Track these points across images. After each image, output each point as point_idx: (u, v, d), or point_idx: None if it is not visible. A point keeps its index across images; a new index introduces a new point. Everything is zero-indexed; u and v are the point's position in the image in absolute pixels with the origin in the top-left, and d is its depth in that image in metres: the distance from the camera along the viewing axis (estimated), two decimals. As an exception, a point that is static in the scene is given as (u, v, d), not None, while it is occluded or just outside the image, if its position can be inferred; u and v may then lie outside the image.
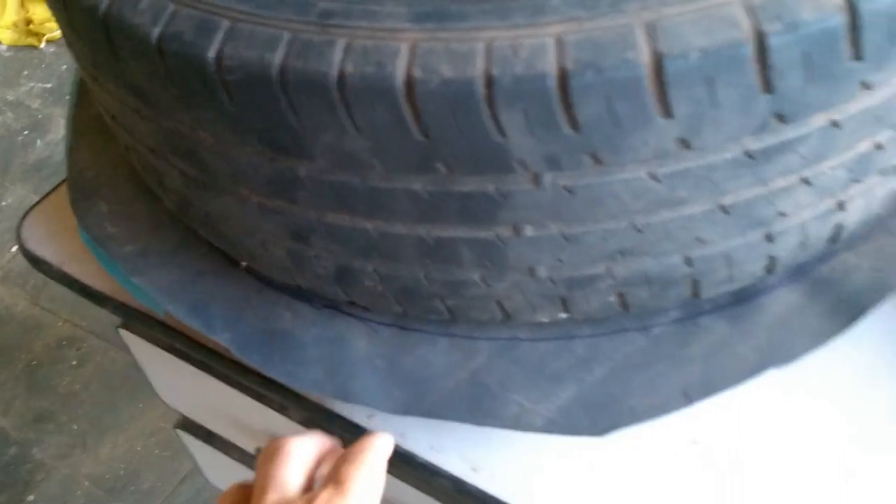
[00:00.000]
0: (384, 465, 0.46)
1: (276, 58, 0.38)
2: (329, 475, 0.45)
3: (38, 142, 2.28)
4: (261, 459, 0.47)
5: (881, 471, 0.48)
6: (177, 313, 0.54)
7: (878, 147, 0.44)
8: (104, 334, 1.89)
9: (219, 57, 0.39)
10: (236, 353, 0.52)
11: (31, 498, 1.69)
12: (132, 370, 0.82)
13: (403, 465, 0.51)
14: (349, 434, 0.53)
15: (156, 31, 0.41)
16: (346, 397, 0.50)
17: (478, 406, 0.49)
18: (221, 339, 0.53)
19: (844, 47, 0.37)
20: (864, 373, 0.52)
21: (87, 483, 1.71)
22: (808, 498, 0.48)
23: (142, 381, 0.89)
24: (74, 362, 1.91)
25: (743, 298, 0.50)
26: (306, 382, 0.51)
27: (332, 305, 0.54)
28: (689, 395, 0.47)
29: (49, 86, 2.41)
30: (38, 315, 1.99)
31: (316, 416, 0.55)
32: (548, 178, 0.39)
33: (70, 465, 1.74)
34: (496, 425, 0.49)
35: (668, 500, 0.49)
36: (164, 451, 1.72)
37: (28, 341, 1.94)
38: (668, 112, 0.37)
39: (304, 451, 0.47)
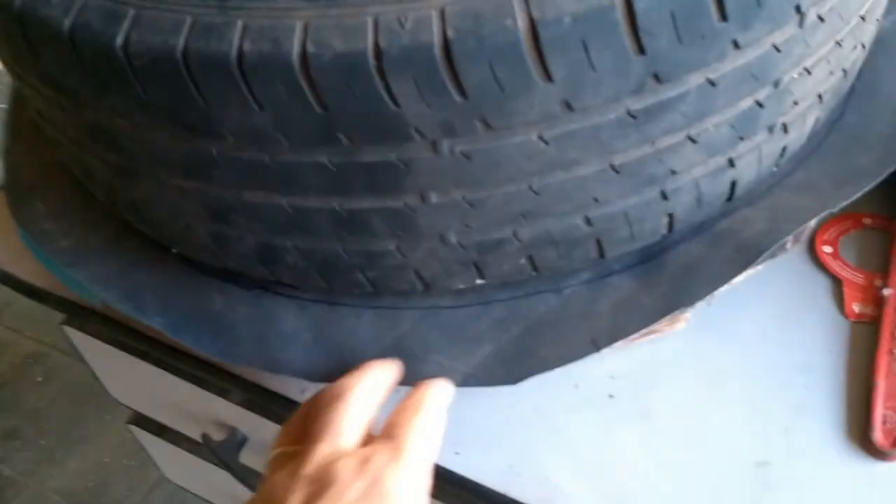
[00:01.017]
0: (442, 417, 0.45)
1: (180, 41, 0.40)
2: (384, 430, 0.44)
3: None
4: (320, 402, 0.45)
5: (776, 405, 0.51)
6: (111, 301, 0.56)
7: (759, 104, 0.46)
8: (68, 349, 1.90)
9: (126, 43, 0.41)
10: (169, 335, 0.54)
11: (1, 515, 1.70)
12: (98, 383, 0.84)
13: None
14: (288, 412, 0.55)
15: (67, 22, 0.43)
16: (275, 368, 0.52)
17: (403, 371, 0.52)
18: (154, 322, 0.55)
19: (710, 8, 0.40)
20: (770, 321, 0.55)
21: (56, 497, 1.71)
22: (713, 439, 0.51)
23: (107, 394, 0.90)
24: (40, 378, 1.92)
25: (649, 256, 0.53)
26: (237, 357, 0.53)
27: (262, 286, 0.56)
28: (596, 343, 0.49)
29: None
30: (1, 334, 1.99)
31: (255, 397, 0.57)
32: (445, 144, 0.42)
33: (39, 481, 1.74)
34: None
35: (589, 452, 0.51)
36: (132, 461, 1.72)
37: (-8, 361, 1.94)
38: (548, 76, 0.39)
39: (365, 400, 0.45)
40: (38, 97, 0.51)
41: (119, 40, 0.41)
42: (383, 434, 0.44)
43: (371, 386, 0.46)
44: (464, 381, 0.50)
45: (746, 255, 0.51)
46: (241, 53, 0.39)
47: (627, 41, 0.39)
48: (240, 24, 0.39)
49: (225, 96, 0.41)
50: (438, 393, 0.46)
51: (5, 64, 0.55)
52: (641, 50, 0.39)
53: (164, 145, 0.45)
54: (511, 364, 0.50)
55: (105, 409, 1.78)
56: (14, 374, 1.93)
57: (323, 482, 0.41)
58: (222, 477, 0.73)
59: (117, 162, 0.49)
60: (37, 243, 0.62)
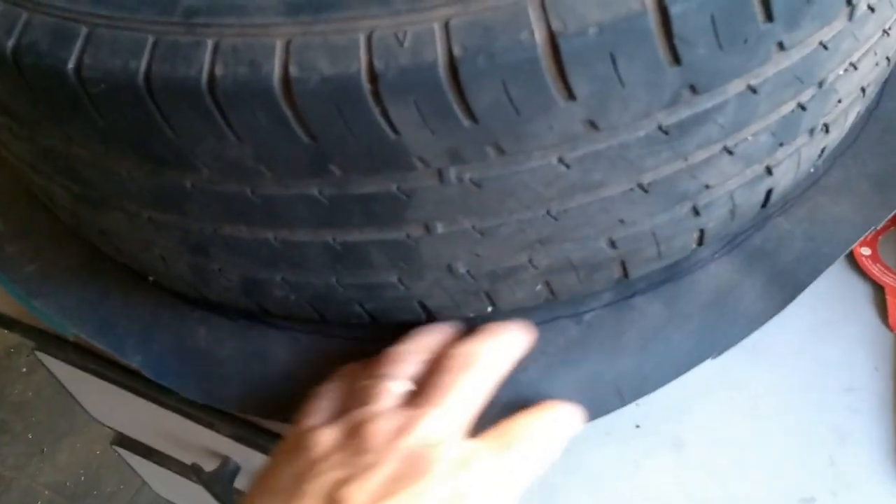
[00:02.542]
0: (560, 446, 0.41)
1: (141, 64, 0.34)
2: (501, 431, 0.40)
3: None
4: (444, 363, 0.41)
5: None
6: (84, 334, 0.51)
7: (802, 107, 0.41)
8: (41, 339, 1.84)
9: (79, 67, 0.35)
10: (151, 377, 0.49)
11: (-10, 512, 1.65)
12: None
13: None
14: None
15: (10, 43, 0.37)
16: (271, 414, 0.47)
17: None
18: (133, 361, 0.49)
19: (755, 8, 0.34)
20: (806, 336, 0.51)
21: (47, 492, 1.67)
22: (749, 473, 0.47)
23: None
24: (24, 370, 1.86)
25: (676, 274, 0.48)
26: (226, 402, 0.48)
27: (249, 316, 0.51)
28: (622, 396, 0.45)
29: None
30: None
31: (244, 432, 0.52)
32: (452, 172, 0.36)
33: (28, 475, 1.70)
34: None
35: (614, 487, 0.47)
36: (125, 452, 1.68)
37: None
38: (570, 94, 0.34)
39: (496, 369, 0.42)
40: (-12, 119, 0.45)
41: (71, 63, 0.35)
42: (498, 434, 0.40)
43: (505, 352, 0.42)
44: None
45: (785, 288, 0.46)
46: (212, 78, 0.34)
47: (661, 51, 0.34)
48: (210, 43, 0.34)
49: (196, 126, 0.35)
50: (568, 418, 0.42)
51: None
52: (677, 60, 0.34)
53: (129, 177, 0.40)
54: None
55: (93, 399, 1.74)
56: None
57: (413, 460, 0.37)
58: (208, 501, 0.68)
59: (79, 191, 0.44)
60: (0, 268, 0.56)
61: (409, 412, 0.40)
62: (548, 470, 0.47)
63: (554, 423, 0.42)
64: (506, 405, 0.45)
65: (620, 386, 0.45)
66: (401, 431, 0.39)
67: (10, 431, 1.78)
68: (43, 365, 0.73)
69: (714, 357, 0.45)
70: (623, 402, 0.44)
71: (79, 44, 0.35)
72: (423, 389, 0.41)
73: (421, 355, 0.43)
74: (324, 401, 0.43)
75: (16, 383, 1.85)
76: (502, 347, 0.43)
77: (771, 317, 0.46)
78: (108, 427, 0.82)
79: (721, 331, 0.45)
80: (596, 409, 0.44)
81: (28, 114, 0.40)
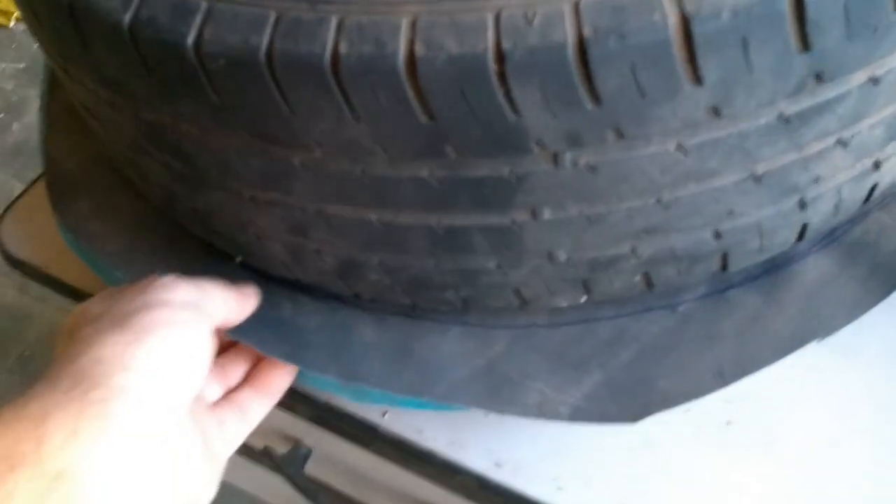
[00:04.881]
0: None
1: (263, 40, 0.34)
2: None
3: (15, 125, 2.22)
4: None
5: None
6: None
7: (918, 101, 0.40)
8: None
9: (198, 42, 0.35)
10: (229, 336, 0.49)
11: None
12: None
13: (423, 462, 0.49)
14: (360, 433, 0.51)
15: (127, 17, 0.37)
16: (351, 378, 0.47)
17: (497, 393, 0.47)
18: None
19: (888, -4, 0.34)
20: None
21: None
22: (844, 475, 0.46)
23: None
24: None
25: (773, 268, 0.47)
26: (306, 362, 0.48)
27: (336, 297, 0.50)
28: (723, 376, 0.44)
29: (22, 66, 2.34)
30: (27, 305, 1.95)
31: (325, 415, 0.52)
32: (568, 156, 0.36)
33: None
34: (518, 413, 0.46)
35: (705, 487, 0.46)
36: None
37: (19, 332, 1.90)
38: (698, 79, 0.33)
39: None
40: (87, 94, 0.45)
41: (190, 38, 0.35)
42: None
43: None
44: (572, 415, 0.44)
45: (887, 277, 0.45)
46: (336, 56, 0.33)
47: (792, 37, 0.33)
48: (334, 20, 0.34)
49: (315, 105, 0.35)
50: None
51: (47, 53, 0.50)
52: (807, 47, 0.33)
53: (237, 154, 0.40)
54: (625, 397, 0.44)
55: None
56: (42, 346, 1.90)
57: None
58: (283, 483, 0.68)
59: (179, 168, 0.44)
60: (83, 246, 0.57)
61: None
62: (635, 468, 0.47)
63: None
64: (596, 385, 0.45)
65: (721, 367, 0.44)
66: None
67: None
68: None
69: (820, 340, 0.44)
70: (725, 381, 0.43)
71: (199, 18, 0.35)
72: None
73: None
74: None
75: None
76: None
77: (873, 305, 0.45)
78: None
79: (822, 317, 0.45)
80: (695, 392, 0.43)
81: (138, 88, 0.40)
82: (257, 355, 0.50)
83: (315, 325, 0.50)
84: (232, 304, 0.47)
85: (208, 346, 0.43)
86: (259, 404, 0.49)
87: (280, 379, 0.49)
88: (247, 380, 0.50)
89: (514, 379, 0.46)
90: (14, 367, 1.85)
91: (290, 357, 0.49)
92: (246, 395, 0.48)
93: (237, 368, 0.50)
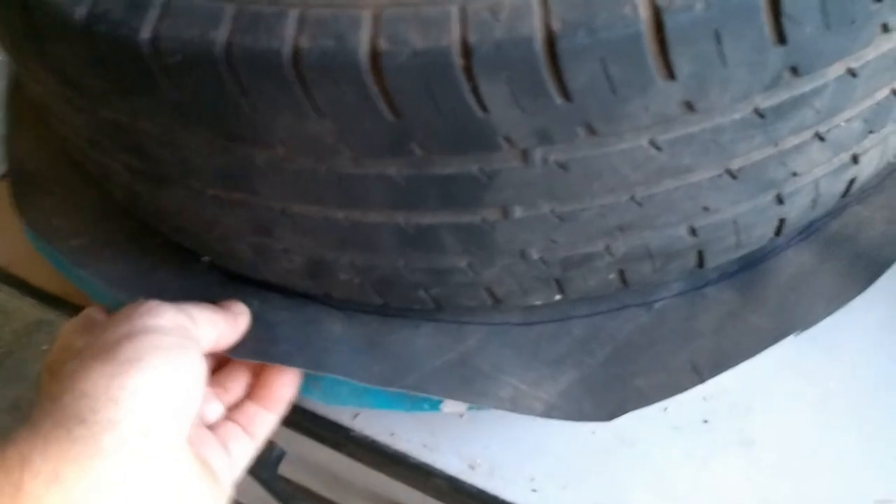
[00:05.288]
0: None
1: (221, 35, 0.33)
2: None
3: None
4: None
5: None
6: (128, 302, 0.50)
7: (895, 93, 0.40)
8: (73, 315, 1.84)
9: (155, 38, 0.34)
10: None
11: (11, 489, 1.65)
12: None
13: (397, 465, 0.48)
14: (332, 435, 0.50)
15: (81, 11, 0.36)
16: (319, 368, 0.46)
17: (469, 385, 0.45)
18: None
19: (865, -13, 0.33)
20: (880, 332, 0.49)
21: (67, 469, 1.67)
22: (822, 471, 0.45)
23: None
24: (45, 346, 1.85)
25: (750, 263, 0.46)
26: (274, 356, 0.46)
27: (306, 295, 0.49)
28: (700, 372, 0.43)
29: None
30: (2, 301, 1.92)
31: (294, 416, 0.50)
32: (538, 153, 0.35)
33: (49, 453, 1.70)
34: (491, 405, 0.45)
35: (683, 487, 0.45)
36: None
37: (-6, 329, 1.88)
38: (670, 73, 0.32)
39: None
40: (45, 91, 0.44)
41: (146, 33, 0.34)
42: None
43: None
44: (546, 412, 0.43)
45: (867, 269, 0.44)
46: (297, 51, 0.32)
47: (767, 29, 0.32)
48: (295, 14, 0.32)
49: (276, 101, 0.34)
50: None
51: (3, 47, 0.48)
52: (782, 39, 0.32)
53: (198, 152, 0.38)
54: (601, 394, 0.43)
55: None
56: (18, 342, 1.88)
57: None
58: (257, 485, 0.67)
59: (140, 167, 0.42)
60: (46, 242, 0.55)
61: None
62: (612, 468, 0.46)
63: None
64: (571, 382, 0.44)
65: (697, 363, 0.43)
66: None
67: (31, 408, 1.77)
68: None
69: (798, 333, 0.43)
70: (701, 378, 0.43)
71: (155, 13, 0.34)
72: None
73: None
74: None
75: (36, 360, 1.84)
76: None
77: (852, 297, 0.44)
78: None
79: (800, 311, 0.44)
80: (671, 389, 0.43)
81: (94, 85, 0.38)
82: (258, 367, 0.47)
83: (282, 319, 0.49)
84: (221, 325, 0.45)
85: (199, 370, 0.41)
86: (263, 418, 0.46)
87: (283, 388, 0.47)
88: (249, 394, 0.47)
89: (486, 372, 0.45)
90: (-11, 366, 1.82)
91: (257, 353, 0.47)
92: (249, 409, 0.46)
93: (237, 383, 0.47)
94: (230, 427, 0.45)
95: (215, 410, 0.46)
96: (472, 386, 0.45)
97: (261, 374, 0.47)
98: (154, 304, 0.42)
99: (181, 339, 0.41)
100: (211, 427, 0.45)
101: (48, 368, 0.41)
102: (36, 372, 1.80)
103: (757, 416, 0.47)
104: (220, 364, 0.48)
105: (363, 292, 0.45)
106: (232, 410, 0.46)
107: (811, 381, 0.48)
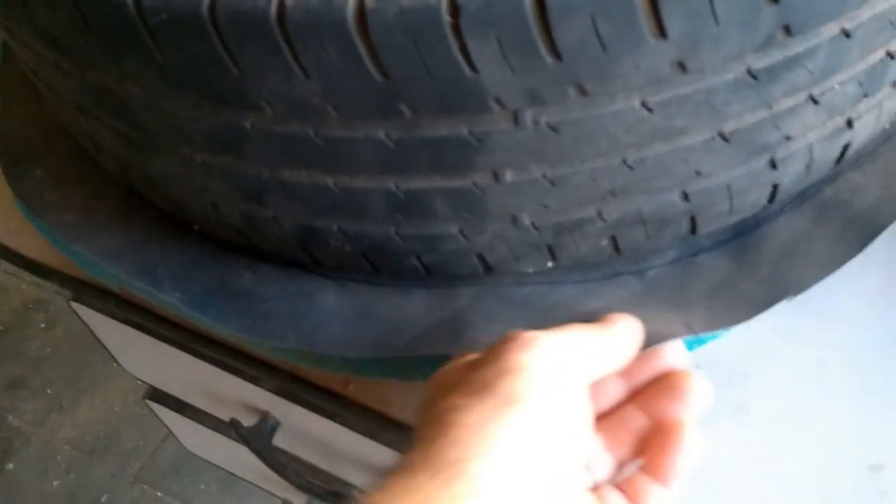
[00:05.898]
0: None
1: (205, -6, 0.33)
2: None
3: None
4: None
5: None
6: (121, 275, 0.50)
7: (891, 56, 0.39)
8: (67, 288, 1.83)
9: (138, -3, 0.34)
10: (186, 311, 0.47)
11: (10, 466, 1.65)
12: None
13: (390, 432, 0.48)
14: (326, 404, 0.50)
15: (65, -28, 0.35)
16: (311, 345, 0.46)
17: (459, 338, 0.45)
18: (170, 297, 0.48)
19: (859, -57, 0.32)
20: (875, 299, 0.49)
21: (67, 447, 1.67)
22: (817, 440, 0.45)
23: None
24: (43, 325, 1.86)
25: (744, 230, 0.46)
26: (266, 334, 0.46)
27: (298, 265, 0.49)
28: (690, 325, 0.42)
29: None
30: (1, 279, 1.92)
31: (289, 386, 0.50)
32: (528, 115, 0.35)
33: (48, 431, 1.70)
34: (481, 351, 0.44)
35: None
36: (145, 408, 1.67)
37: (-8, 307, 1.88)
38: (661, 31, 0.32)
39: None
40: (33, 56, 0.43)
41: (130, -7, 0.34)
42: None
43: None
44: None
45: (861, 233, 0.44)
46: (282, 9, 0.32)
47: (760, -14, 0.32)
48: (280, -29, 0.32)
49: (262, 62, 0.33)
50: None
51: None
52: (775, -3, 0.32)
53: (186, 116, 0.38)
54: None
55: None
56: (16, 320, 1.88)
57: None
58: (252, 456, 0.67)
59: (129, 133, 0.42)
60: (38, 216, 0.55)
61: None
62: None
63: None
64: None
65: (689, 321, 0.42)
66: None
67: (28, 387, 1.77)
68: (79, 317, 0.71)
69: (791, 298, 0.43)
70: (692, 330, 0.41)
71: (139, -28, 0.34)
72: None
73: None
74: None
75: (34, 339, 1.85)
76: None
77: (848, 259, 0.43)
78: (142, 381, 0.81)
79: (794, 275, 0.43)
80: (661, 336, 0.41)
81: (80, 48, 0.38)
82: (650, 413, 0.39)
83: (274, 293, 0.49)
84: (609, 349, 0.39)
85: (586, 409, 0.36)
86: (655, 495, 0.38)
87: (680, 458, 0.38)
88: (640, 452, 0.39)
89: (477, 323, 0.45)
90: (-13, 344, 1.83)
91: (250, 330, 0.47)
92: (637, 481, 0.38)
93: (626, 434, 0.39)
94: (611, 496, 0.38)
95: (603, 467, 0.39)
96: (462, 336, 0.45)
97: (654, 431, 0.39)
98: (529, 336, 0.37)
99: (564, 374, 0.36)
100: (589, 490, 0.38)
101: (425, 403, 0.38)
102: (33, 350, 1.81)
103: (752, 384, 0.47)
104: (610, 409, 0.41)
105: (354, 260, 0.45)
106: (618, 472, 0.39)
107: (806, 348, 0.48)
